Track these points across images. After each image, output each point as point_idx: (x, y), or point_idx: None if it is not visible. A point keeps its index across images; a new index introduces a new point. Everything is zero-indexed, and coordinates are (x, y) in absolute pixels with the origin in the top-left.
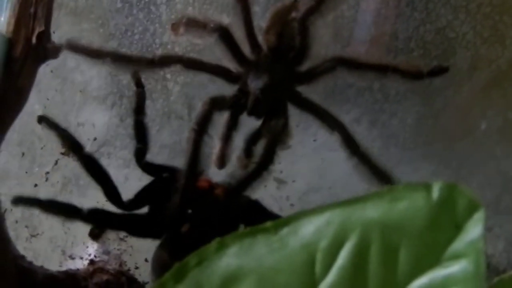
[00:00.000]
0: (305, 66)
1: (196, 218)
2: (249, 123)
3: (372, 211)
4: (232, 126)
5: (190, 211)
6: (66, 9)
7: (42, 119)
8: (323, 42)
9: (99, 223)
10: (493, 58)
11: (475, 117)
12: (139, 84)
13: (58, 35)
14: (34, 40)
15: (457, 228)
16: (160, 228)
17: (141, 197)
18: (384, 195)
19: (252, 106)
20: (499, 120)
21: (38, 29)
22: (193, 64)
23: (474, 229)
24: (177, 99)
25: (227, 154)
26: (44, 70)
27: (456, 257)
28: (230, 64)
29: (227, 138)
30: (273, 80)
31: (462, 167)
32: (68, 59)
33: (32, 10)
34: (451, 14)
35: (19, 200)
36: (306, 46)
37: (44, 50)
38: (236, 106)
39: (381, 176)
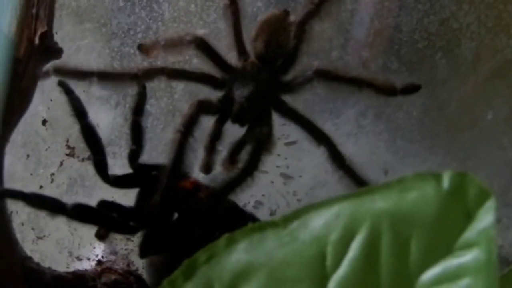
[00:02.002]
0: (290, 76)
1: (181, 220)
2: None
3: (382, 203)
4: (217, 132)
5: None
6: (68, 9)
7: (60, 84)
8: (327, 36)
9: (82, 219)
10: (498, 48)
11: (481, 107)
12: (142, 86)
13: (60, 36)
14: (36, 40)
15: (468, 217)
16: (140, 226)
17: (127, 178)
18: (393, 186)
19: (237, 114)
20: (505, 110)
21: (40, 30)
22: (176, 74)
23: (485, 218)
24: (181, 97)
25: (212, 160)
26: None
27: (468, 246)
28: (214, 71)
29: (212, 144)
30: (258, 89)
31: (469, 158)
32: (71, 59)
33: (34, 10)
34: (455, 4)
35: (5, 193)
36: (297, 52)
37: (47, 50)
38: (221, 112)
39: None
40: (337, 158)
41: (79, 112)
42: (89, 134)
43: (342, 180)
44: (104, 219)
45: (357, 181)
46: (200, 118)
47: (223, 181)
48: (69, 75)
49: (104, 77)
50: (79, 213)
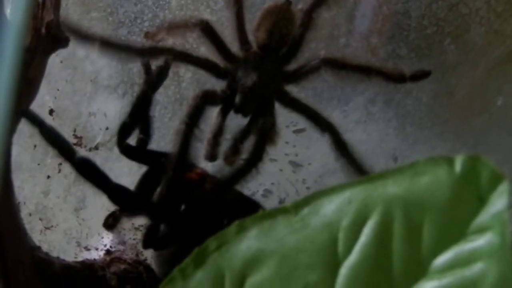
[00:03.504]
0: (293, 66)
1: (188, 211)
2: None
3: (394, 188)
4: (221, 121)
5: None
6: None
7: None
8: (334, 23)
9: (84, 174)
10: (507, 33)
11: (491, 93)
12: (148, 72)
13: None
14: (43, 30)
15: (481, 201)
16: (142, 210)
17: (138, 152)
18: (405, 171)
19: (240, 104)
20: None
21: (47, 19)
22: (182, 57)
23: (498, 201)
24: (188, 85)
25: (216, 149)
26: (54, 61)
27: (481, 230)
28: (217, 59)
29: (216, 136)
30: (261, 79)
31: (479, 144)
32: (78, 48)
33: None
34: None
35: (25, 114)
36: (301, 41)
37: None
38: (224, 102)
39: None
40: (340, 146)
41: (153, 82)
42: (143, 101)
43: (345, 168)
44: (104, 183)
45: (358, 170)
46: (206, 108)
47: (228, 172)
48: (72, 34)
49: (107, 45)
50: (84, 167)
